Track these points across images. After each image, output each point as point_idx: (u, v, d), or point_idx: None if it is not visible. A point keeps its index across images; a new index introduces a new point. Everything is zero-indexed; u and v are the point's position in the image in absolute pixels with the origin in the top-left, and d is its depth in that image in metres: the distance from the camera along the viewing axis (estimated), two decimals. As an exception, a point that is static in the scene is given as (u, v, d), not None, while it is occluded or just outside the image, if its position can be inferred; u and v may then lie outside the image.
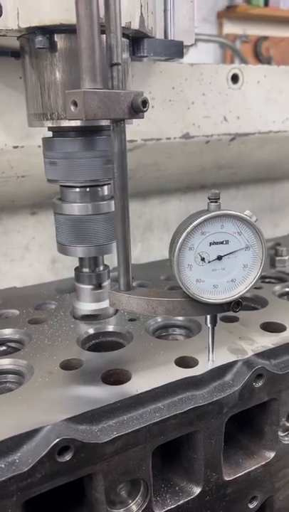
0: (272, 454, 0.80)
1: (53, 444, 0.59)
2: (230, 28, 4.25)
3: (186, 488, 0.75)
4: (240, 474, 0.78)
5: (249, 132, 1.32)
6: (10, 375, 0.79)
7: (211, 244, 0.67)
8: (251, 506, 0.81)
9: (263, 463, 0.80)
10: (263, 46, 4.44)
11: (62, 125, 0.76)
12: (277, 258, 1.17)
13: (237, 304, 0.71)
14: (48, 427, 0.61)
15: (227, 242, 0.67)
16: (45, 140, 0.83)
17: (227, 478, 0.76)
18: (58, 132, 0.81)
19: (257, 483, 0.80)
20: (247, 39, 4.19)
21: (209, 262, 0.67)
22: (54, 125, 0.77)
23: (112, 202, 0.85)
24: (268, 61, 4.46)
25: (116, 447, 0.64)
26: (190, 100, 1.21)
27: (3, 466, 0.58)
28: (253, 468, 0.79)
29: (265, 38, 4.41)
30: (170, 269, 1.20)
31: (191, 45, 1.00)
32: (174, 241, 0.68)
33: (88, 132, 0.79)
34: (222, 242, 0.67)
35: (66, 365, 0.77)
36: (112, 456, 0.64)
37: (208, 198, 0.68)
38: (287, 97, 1.35)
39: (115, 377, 0.75)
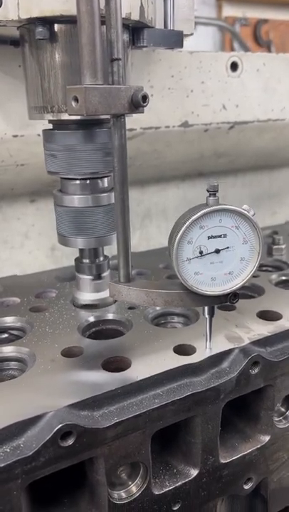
0: (267, 438, 0.83)
1: (56, 430, 0.61)
2: (229, 11, 4.18)
3: (183, 471, 0.78)
4: (236, 457, 0.81)
5: (248, 120, 1.33)
6: (13, 363, 0.81)
7: (209, 238, 0.69)
8: (246, 487, 0.84)
9: (258, 446, 0.83)
10: (262, 29, 4.38)
11: (62, 118, 0.77)
12: (275, 247, 1.19)
13: (234, 296, 0.73)
14: (51, 413, 0.64)
15: (225, 235, 0.69)
16: (46, 132, 0.84)
17: (223, 461, 0.79)
18: (59, 125, 0.82)
19: (252, 466, 0.83)
20: (246, 22, 4.13)
21: (207, 254, 0.69)
22: (54, 118, 0.78)
23: (113, 194, 0.87)
24: (267, 44, 4.40)
25: (116, 432, 0.66)
26: (189, 88, 1.21)
27: (8, 450, 0.61)
28: (248, 451, 0.82)
29: (265, 21, 4.34)
30: (168, 258, 1.22)
31: (191, 34, 1.00)
32: (173, 234, 0.69)
33: (88, 125, 0.80)
34: (220, 236, 0.69)
35: (67, 353, 0.79)
36: (113, 440, 0.66)
37: (207, 191, 0.70)
38: (285, 85, 1.35)
39: (115, 364, 0.77)
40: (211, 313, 0.76)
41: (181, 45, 0.93)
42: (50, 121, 0.84)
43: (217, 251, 0.69)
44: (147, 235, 1.63)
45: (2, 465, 0.59)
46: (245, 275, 0.72)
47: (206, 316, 0.76)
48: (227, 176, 1.72)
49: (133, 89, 0.66)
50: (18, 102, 1.01)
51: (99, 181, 0.87)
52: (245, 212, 0.68)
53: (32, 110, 0.81)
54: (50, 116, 0.78)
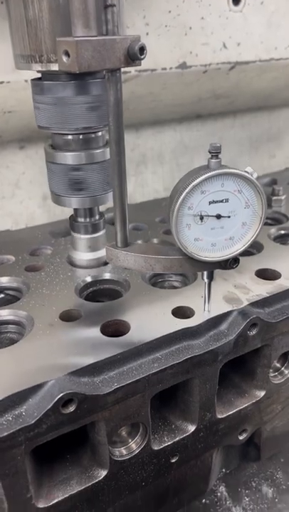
0: (262, 393, 0.86)
1: (57, 398, 0.62)
2: None
3: (181, 426, 0.80)
4: (232, 412, 0.83)
5: (249, 60, 1.24)
6: (11, 326, 0.81)
7: (210, 203, 0.66)
8: (241, 438, 0.88)
9: (254, 401, 0.85)
10: None
11: (52, 69, 0.71)
12: (274, 198, 1.16)
13: (234, 261, 0.71)
14: (51, 381, 0.64)
15: (227, 200, 0.66)
16: (34, 83, 0.78)
17: (220, 416, 0.82)
18: (48, 75, 0.76)
19: (247, 419, 0.86)
20: None
21: (208, 220, 0.66)
22: (43, 69, 0.71)
23: (108, 149, 0.82)
24: None
25: (117, 397, 0.67)
26: (187, 25, 1.12)
27: (10, 418, 0.62)
28: (244, 406, 0.84)
29: None
30: (164, 210, 1.19)
31: None
32: (172, 199, 0.66)
33: (81, 75, 0.74)
34: (222, 201, 0.66)
35: (66, 316, 0.79)
36: (113, 404, 0.68)
37: (209, 152, 0.66)
38: (291, 20, 1.25)
39: (114, 327, 0.77)
40: (210, 278, 0.74)
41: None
42: (38, 71, 0.77)
43: (218, 216, 0.67)
44: (142, 182, 1.58)
45: (5, 433, 0.60)
46: (246, 240, 0.70)
47: (205, 280, 0.75)
48: (225, 117, 1.64)
49: (129, 39, 0.60)
50: (2, 44, 0.93)
51: (92, 136, 0.82)
52: (249, 175, 0.65)
53: (18, 58, 0.74)
54: (38, 67, 0.72)
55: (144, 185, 1.59)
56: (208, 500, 1.00)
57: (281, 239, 1.06)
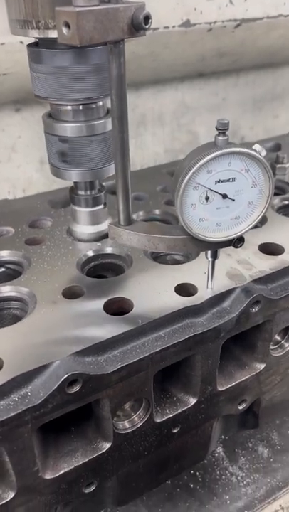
0: (262, 366, 0.87)
1: (62, 379, 0.63)
2: None
3: (183, 399, 0.82)
4: (232, 384, 0.85)
5: (257, 17, 1.17)
6: (13, 302, 0.80)
7: (216, 182, 0.64)
8: (240, 407, 0.90)
9: (254, 373, 0.87)
10: None
11: (50, 36, 0.66)
12: (278, 166, 1.13)
13: (239, 240, 0.70)
14: (56, 362, 0.65)
15: (234, 179, 0.64)
16: (31, 50, 0.73)
17: (220, 389, 0.83)
18: (46, 41, 0.71)
19: (247, 390, 0.88)
20: None
21: (214, 200, 0.65)
22: (41, 35, 0.67)
23: (108, 120, 0.79)
24: None
25: (121, 375, 0.68)
26: (191, -21, 1.05)
27: (16, 399, 0.63)
28: (244, 378, 0.86)
29: None
30: (165, 178, 1.16)
31: None
32: (177, 178, 0.64)
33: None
34: (228, 180, 0.64)
35: (68, 293, 0.78)
36: (117, 382, 0.68)
37: (216, 129, 0.63)
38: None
39: (117, 304, 0.77)
40: (214, 257, 0.74)
41: None
42: (36, 38, 0.73)
43: (224, 196, 0.65)
44: (142, 144, 1.54)
45: (12, 414, 0.61)
46: (252, 220, 0.68)
47: (209, 259, 0.74)
48: (229, 75, 1.58)
49: (133, 7, 0.56)
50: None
51: (93, 106, 0.78)
52: (257, 154, 0.63)
53: (13, 23, 0.70)
54: (35, 33, 0.67)
55: (143, 148, 1.55)
56: (206, 460, 1.04)
57: (285, 209, 1.04)
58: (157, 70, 1.32)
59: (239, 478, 1.00)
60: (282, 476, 1.00)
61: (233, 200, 0.64)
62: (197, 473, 0.99)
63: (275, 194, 1.10)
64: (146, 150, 1.55)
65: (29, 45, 0.75)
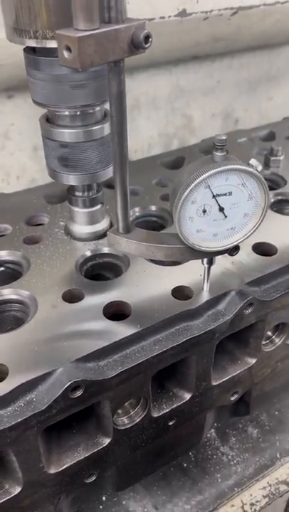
0: (254, 360, 0.91)
1: (66, 386, 0.66)
2: None
3: (178, 394, 0.86)
4: (225, 379, 0.89)
5: (253, 5, 1.16)
6: (14, 304, 0.83)
7: (213, 196, 0.65)
8: (232, 398, 0.95)
9: (246, 367, 0.91)
10: None
11: (48, 46, 0.66)
12: (272, 158, 1.14)
13: (234, 248, 0.72)
14: (59, 369, 0.68)
15: (230, 193, 0.66)
16: (28, 56, 0.72)
17: (214, 383, 0.88)
18: (44, 49, 0.70)
19: (239, 382, 0.93)
20: None
21: (211, 213, 0.67)
22: (39, 45, 0.66)
23: (106, 125, 0.79)
24: None
25: (120, 379, 0.71)
26: None
27: (22, 404, 0.66)
28: (236, 372, 0.90)
29: None
30: (161, 170, 1.17)
31: None
32: (175, 193, 0.66)
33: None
34: (225, 194, 0.66)
35: (68, 296, 0.80)
36: (117, 385, 0.72)
37: (214, 144, 0.64)
38: None
39: (116, 308, 0.79)
40: (210, 263, 0.76)
41: None
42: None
43: (221, 209, 0.67)
44: (136, 128, 1.53)
45: (20, 419, 0.64)
46: (247, 230, 0.70)
47: (205, 265, 0.76)
48: (224, 57, 1.56)
49: (133, 27, 0.56)
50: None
51: (90, 111, 0.78)
52: (254, 170, 0.64)
53: (10, 30, 0.69)
54: (33, 43, 0.66)
55: (137, 132, 1.55)
56: (199, 440, 1.09)
57: (278, 205, 1.06)
58: (151, 56, 1.30)
59: (230, 457, 1.06)
60: (270, 455, 1.06)
61: (226, 216, 0.66)
62: (190, 454, 1.05)
63: (269, 188, 1.11)
64: (140, 134, 1.54)
65: (26, 50, 0.74)
